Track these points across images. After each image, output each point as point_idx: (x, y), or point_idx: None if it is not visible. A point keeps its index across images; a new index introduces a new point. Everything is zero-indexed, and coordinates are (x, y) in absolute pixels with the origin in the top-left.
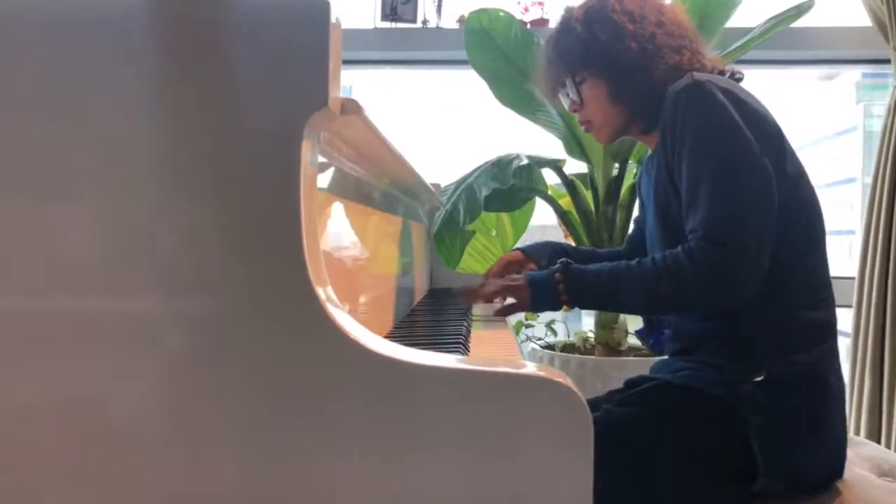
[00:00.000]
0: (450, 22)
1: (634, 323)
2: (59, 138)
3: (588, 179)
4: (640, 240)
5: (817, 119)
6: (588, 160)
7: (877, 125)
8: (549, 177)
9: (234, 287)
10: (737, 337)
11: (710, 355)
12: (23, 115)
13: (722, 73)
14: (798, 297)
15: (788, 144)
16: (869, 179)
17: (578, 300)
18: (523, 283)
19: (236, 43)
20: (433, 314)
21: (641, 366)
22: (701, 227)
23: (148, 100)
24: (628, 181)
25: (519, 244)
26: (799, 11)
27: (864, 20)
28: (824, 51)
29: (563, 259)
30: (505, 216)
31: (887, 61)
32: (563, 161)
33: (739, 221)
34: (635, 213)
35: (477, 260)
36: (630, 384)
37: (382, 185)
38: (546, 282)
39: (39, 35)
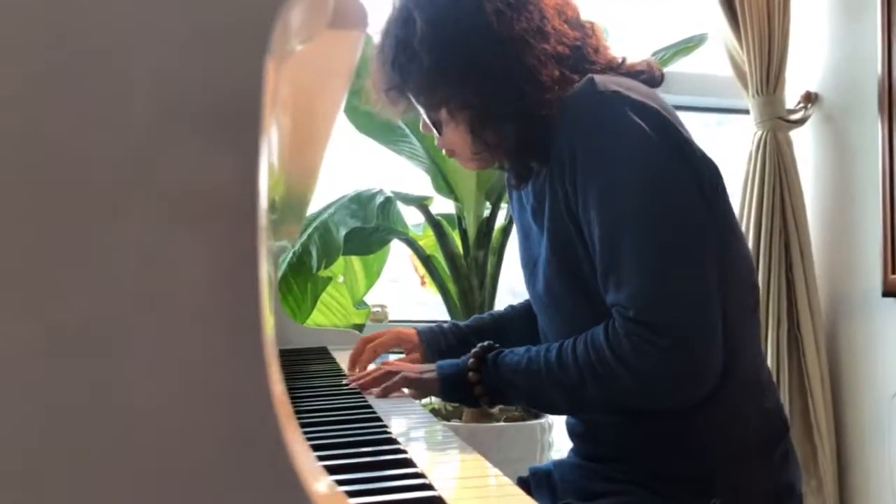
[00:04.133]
0: None
1: None
2: None
3: (457, 220)
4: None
5: None
6: (457, 198)
7: None
8: (409, 216)
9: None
10: (680, 441)
11: (643, 469)
12: None
13: (634, 71)
14: (749, 380)
15: (723, 179)
16: None
17: (500, 401)
18: (433, 378)
19: None
20: (327, 400)
21: (518, 433)
22: (631, 306)
23: None
24: (501, 222)
25: (372, 293)
26: (692, 45)
27: (725, 69)
28: (687, 97)
29: (479, 348)
30: (356, 260)
31: (746, 111)
32: (431, 199)
33: (684, 299)
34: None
35: (322, 311)
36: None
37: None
38: (459, 380)
39: None
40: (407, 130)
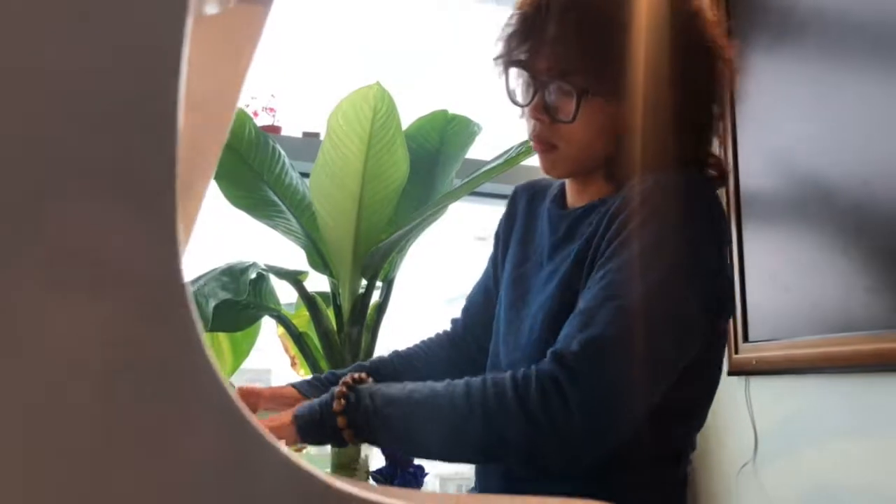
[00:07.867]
0: None
1: (379, 460)
2: None
3: (331, 296)
4: (478, 324)
5: (472, 273)
6: (332, 274)
7: None
8: (282, 294)
9: None
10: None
11: None
12: None
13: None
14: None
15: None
16: None
17: (371, 440)
18: (287, 421)
19: None
20: None
21: None
22: (580, 344)
23: None
24: (375, 299)
25: (240, 373)
26: None
27: None
28: None
29: (351, 377)
30: (224, 337)
31: None
32: (306, 274)
33: (626, 376)
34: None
35: None
36: None
37: None
38: (317, 417)
39: None
40: (283, 206)
